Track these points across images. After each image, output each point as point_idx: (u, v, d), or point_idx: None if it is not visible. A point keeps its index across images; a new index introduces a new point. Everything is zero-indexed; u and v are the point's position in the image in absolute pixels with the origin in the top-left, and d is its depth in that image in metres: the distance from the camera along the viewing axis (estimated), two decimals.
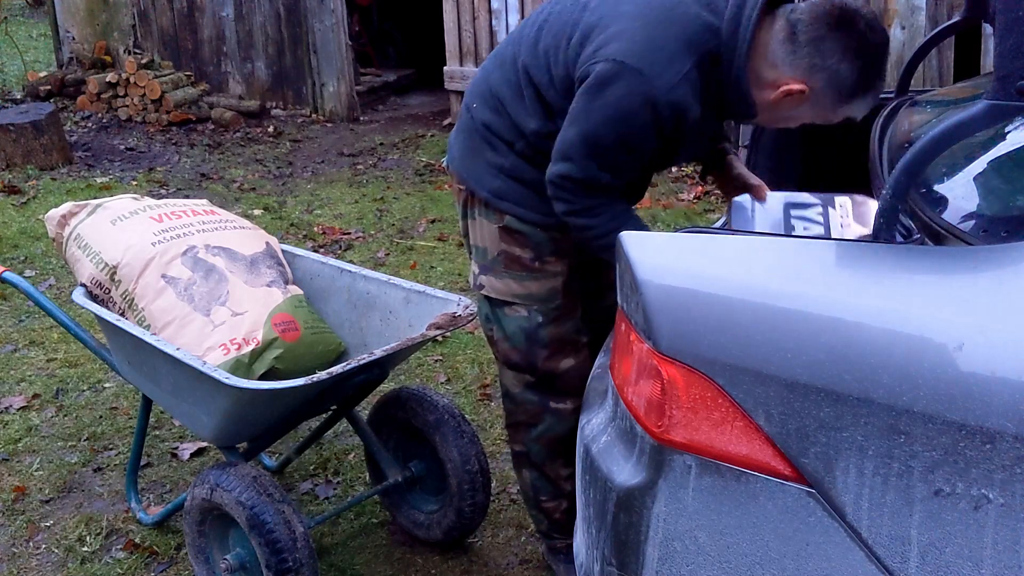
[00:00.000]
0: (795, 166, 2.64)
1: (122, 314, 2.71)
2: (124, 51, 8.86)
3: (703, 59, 1.97)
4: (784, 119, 2.06)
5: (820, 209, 2.12)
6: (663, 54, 1.94)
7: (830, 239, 1.79)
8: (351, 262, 3.37)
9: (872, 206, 2.09)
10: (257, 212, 6.00)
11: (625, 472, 1.52)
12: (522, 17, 7.36)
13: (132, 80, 8.16)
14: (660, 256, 1.51)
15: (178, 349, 2.45)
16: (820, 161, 2.61)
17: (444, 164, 2.52)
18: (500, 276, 2.31)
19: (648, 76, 1.93)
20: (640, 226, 2.12)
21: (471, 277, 2.41)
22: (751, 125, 2.42)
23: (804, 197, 2.17)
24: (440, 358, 4.00)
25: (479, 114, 2.27)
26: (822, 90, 1.93)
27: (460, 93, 7.81)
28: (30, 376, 3.96)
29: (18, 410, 3.70)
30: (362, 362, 2.38)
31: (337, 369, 2.34)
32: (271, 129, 8.06)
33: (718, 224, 2.50)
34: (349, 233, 5.61)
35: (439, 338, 3.88)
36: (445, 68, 7.84)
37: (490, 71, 2.28)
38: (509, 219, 2.26)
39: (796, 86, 1.93)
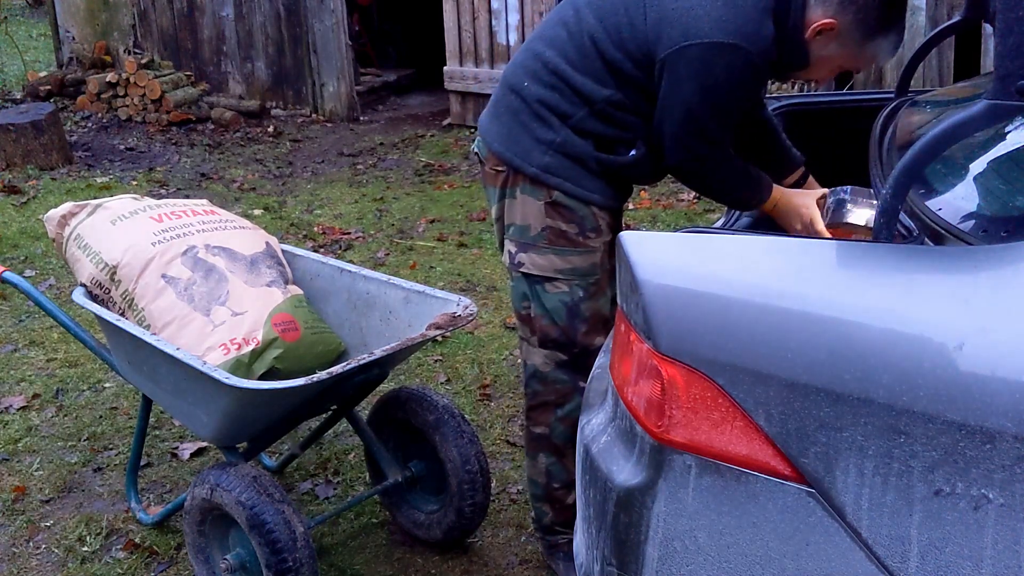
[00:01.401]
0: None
1: (122, 314, 2.71)
2: (124, 51, 8.87)
3: (775, 20, 2.14)
4: (817, 64, 2.22)
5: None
6: (752, 25, 2.12)
7: (830, 239, 1.79)
8: (351, 262, 3.37)
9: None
10: (257, 212, 6.00)
11: (625, 472, 1.52)
12: (522, 17, 7.36)
13: (132, 80, 8.16)
14: (660, 256, 1.50)
15: (178, 349, 2.45)
16: (822, 163, 2.60)
17: (475, 150, 2.55)
18: (543, 252, 2.37)
19: (746, 48, 2.11)
20: (741, 166, 2.35)
21: (506, 257, 2.46)
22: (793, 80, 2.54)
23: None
24: (440, 358, 4.00)
25: (532, 92, 2.34)
26: (850, 25, 2.11)
27: (460, 93, 7.82)
28: (30, 376, 3.96)
29: (18, 410, 3.70)
30: (362, 362, 2.38)
31: (337, 369, 2.34)
32: (271, 129, 8.06)
33: (718, 224, 2.51)
34: (349, 233, 5.61)
35: (439, 338, 3.88)
36: (445, 68, 7.84)
37: (539, 51, 2.36)
38: (557, 194, 2.33)
39: (827, 21, 2.11)
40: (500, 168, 2.41)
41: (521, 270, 2.41)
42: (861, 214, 2.19)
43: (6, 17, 11.02)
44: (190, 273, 2.68)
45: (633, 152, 2.31)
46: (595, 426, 1.68)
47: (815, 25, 2.12)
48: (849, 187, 2.25)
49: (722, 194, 2.39)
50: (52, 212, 2.92)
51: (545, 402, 2.48)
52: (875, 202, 2.24)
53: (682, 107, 2.18)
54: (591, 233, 2.36)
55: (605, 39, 2.25)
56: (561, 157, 2.32)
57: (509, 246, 2.44)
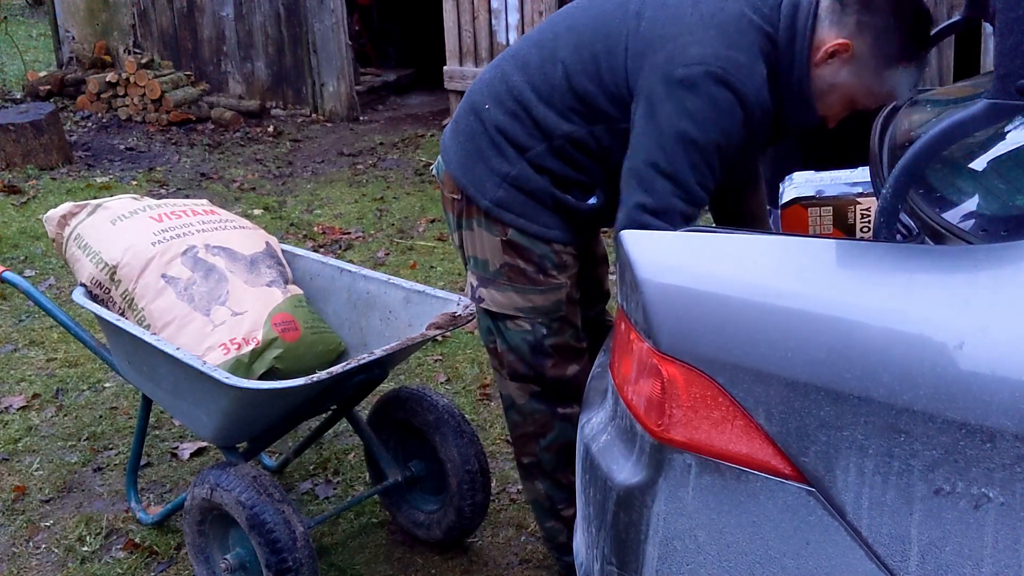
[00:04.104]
0: (795, 167, 2.64)
1: (122, 314, 2.71)
2: (124, 51, 8.87)
3: (768, 69, 1.98)
4: (826, 95, 2.02)
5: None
6: (745, 59, 1.94)
7: (830, 238, 1.79)
8: (351, 262, 3.37)
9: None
10: (257, 212, 6.00)
11: (625, 471, 1.52)
12: (522, 17, 7.37)
13: (132, 80, 8.16)
14: (660, 255, 1.51)
15: (178, 349, 2.45)
16: (822, 162, 2.60)
17: (434, 172, 2.41)
18: (502, 289, 2.25)
19: (736, 78, 1.92)
20: None
21: (468, 289, 2.35)
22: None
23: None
24: (440, 358, 4.00)
25: (492, 116, 2.19)
26: (868, 50, 1.93)
27: (460, 93, 7.81)
28: (30, 376, 3.96)
29: (18, 410, 3.70)
30: (362, 362, 2.38)
31: (337, 369, 2.34)
32: (271, 129, 8.06)
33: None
34: (349, 233, 5.61)
35: (439, 338, 3.88)
36: (445, 68, 7.84)
37: (508, 73, 2.19)
38: (512, 232, 2.20)
39: (840, 42, 1.93)
40: (456, 196, 2.27)
41: (482, 305, 2.29)
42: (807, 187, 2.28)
43: (6, 17, 11.02)
44: (190, 273, 2.69)
45: (592, 200, 2.16)
46: (595, 425, 1.69)
47: (827, 47, 1.94)
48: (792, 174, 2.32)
49: None
50: (52, 212, 2.92)
51: (526, 433, 2.38)
52: (817, 177, 2.35)
53: (653, 139, 1.95)
54: (554, 271, 2.22)
55: (579, 69, 2.07)
56: (515, 192, 2.17)
57: (471, 278, 2.32)
